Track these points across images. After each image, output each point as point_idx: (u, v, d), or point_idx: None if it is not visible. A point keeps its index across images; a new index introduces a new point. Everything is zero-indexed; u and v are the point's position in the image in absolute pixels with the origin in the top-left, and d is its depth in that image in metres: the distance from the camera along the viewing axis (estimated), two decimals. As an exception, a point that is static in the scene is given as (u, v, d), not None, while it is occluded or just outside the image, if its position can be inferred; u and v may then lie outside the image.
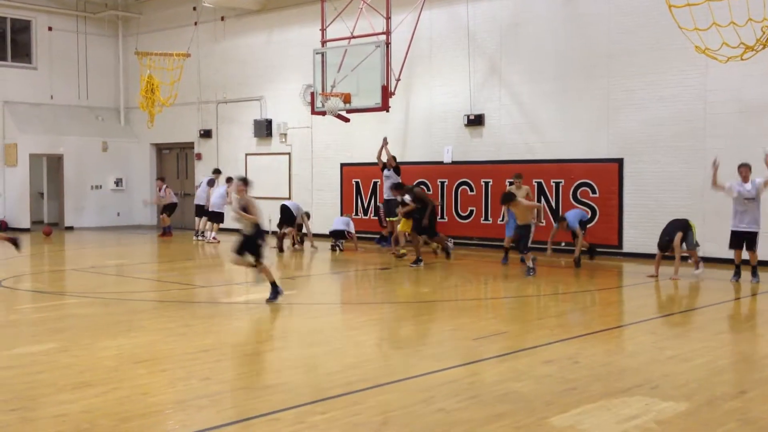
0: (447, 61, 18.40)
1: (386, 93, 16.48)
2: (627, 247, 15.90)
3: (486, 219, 17.77)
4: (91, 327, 9.03)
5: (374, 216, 19.34)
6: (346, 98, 16.81)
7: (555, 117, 16.82)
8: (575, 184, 16.44)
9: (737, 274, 12.50)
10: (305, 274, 14.78)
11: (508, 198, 13.58)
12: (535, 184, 16.82)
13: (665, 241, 12.88)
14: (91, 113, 25.54)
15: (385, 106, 16.60)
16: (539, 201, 16.69)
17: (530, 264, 13.16)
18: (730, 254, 12.84)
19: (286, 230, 17.37)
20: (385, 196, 17.58)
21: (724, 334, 9.12)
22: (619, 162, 15.95)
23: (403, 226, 15.72)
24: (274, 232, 17.98)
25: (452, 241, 17.63)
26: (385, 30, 16.69)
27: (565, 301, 11.45)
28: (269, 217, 19.75)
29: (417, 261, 14.66)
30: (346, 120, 17.72)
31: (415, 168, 18.80)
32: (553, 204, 16.59)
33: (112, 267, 15.53)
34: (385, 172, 17.44)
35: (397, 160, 17.79)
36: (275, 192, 21.90)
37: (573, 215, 14.86)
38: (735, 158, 12.70)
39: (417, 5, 17.42)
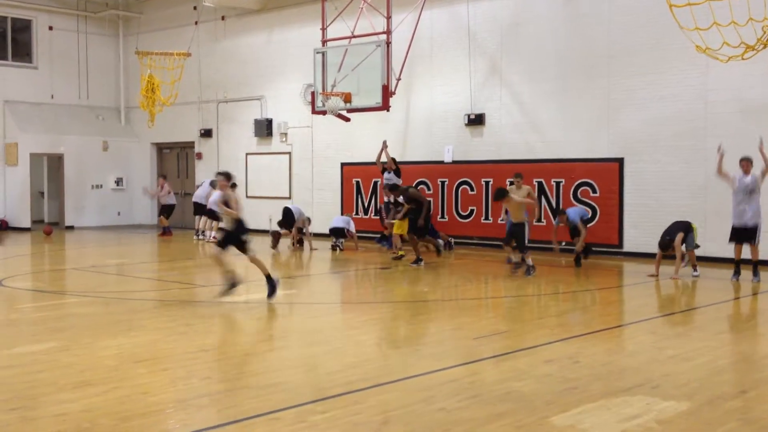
0: (447, 61, 18.40)
1: (387, 92, 16.48)
2: (627, 247, 15.90)
3: (486, 218, 17.77)
4: (92, 326, 9.03)
5: (375, 215, 19.34)
6: (347, 98, 16.81)
7: (555, 116, 16.82)
8: (576, 184, 16.44)
9: (737, 273, 12.51)
10: (305, 274, 14.78)
11: (501, 194, 13.44)
12: (536, 183, 16.81)
13: (666, 241, 12.89)
14: (91, 113, 25.54)
15: (385, 106, 16.60)
16: (540, 201, 16.69)
17: (529, 262, 13.13)
18: (730, 253, 12.83)
19: (283, 231, 17.32)
20: (386, 198, 17.58)
21: (724, 333, 9.12)
22: (620, 161, 15.94)
23: (397, 228, 15.70)
24: (274, 232, 17.93)
25: (452, 240, 17.68)
26: (385, 29, 16.69)
27: (565, 300, 11.44)
28: (270, 216, 19.83)
29: (417, 260, 14.66)
30: (347, 119, 17.72)
31: (416, 167, 18.80)
32: (554, 203, 16.58)
33: (112, 266, 15.53)
34: (386, 174, 17.42)
35: (398, 160, 17.79)
36: (276, 191, 21.93)
37: (574, 212, 14.86)
38: (736, 158, 12.68)
39: (417, 5, 17.41)
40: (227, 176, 10.78)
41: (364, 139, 19.70)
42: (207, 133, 23.83)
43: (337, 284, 13.81)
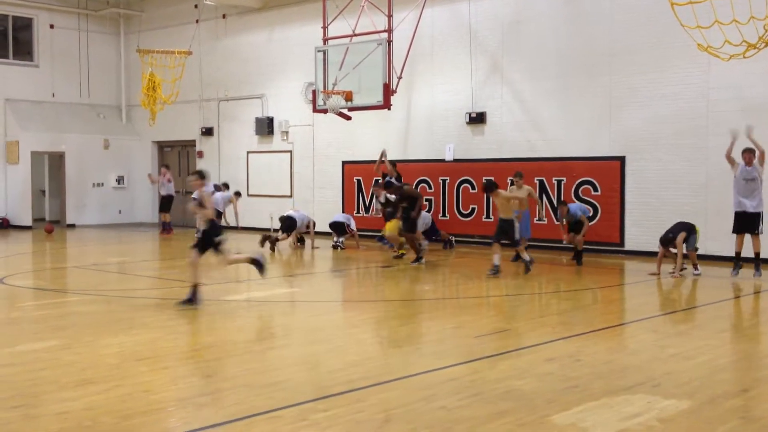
0: (449, 59, 18.40)
1: (388, 91, 16.48)
2: (629, 245, 15.90)
3: (488, 217, 17.76)
4: (93, 324, 9.04)
5: (376, 215, 19.33)
6: (348, 96, 16.81)
7: (557, 115, 16.82)
8: (577, 182, 16.43)
9: (737, 267, 12.52)
10: (307, 272, 14.78)
11: (490, 187, 13.31)
12: (537, 182, 16.81)
13: (668, 237, 12.92)
14: (92, 111, 25.54)
15: (386, 104, 16.60)
16: (541, 199, 16.69)
17: (526, 257, 13.06)
18: (731, 252, 12.83)
19: (281, 236, 17.25)
20: (375, 197, 17.54)
21: (725, 332, 9.11)
22: (621, 160, 15.94)
23: (391, 228, 15.68)
24: (275, 230, 17.90)
25: (453, 238, 17.68)
26: (386, 28, 16.68)
27: (566, 298, 11.44)
28: (270, 215, 19.82)
29: (418, 259, 14.65)
30: (348, 118, 17.72)
31: (417, 166, 18.80)
32: (555, 202, 16.57)
33: (113, 264, 15.54)
34: (387, 179, 17.33)
35: (399, 159, 17.77)
36: (277, 190, 21.94)
37: (575, 207, 14.84)
38: (737, 157, 12.69)
39: (419, 3, 17.40)
40: (201, 175, 10.33)
41: (366, 137, 19.70)
42: (208, 132, 23.83)
43: (339, 283, 13.81)
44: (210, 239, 10.05)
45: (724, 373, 6.95)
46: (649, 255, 14.59)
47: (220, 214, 19.99)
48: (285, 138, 21.86)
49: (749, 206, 12.38)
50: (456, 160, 18.33)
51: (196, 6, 23.17)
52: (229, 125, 23.34)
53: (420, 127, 19.01)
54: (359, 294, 12.50)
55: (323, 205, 20.61)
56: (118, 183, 25.51)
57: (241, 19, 22.75)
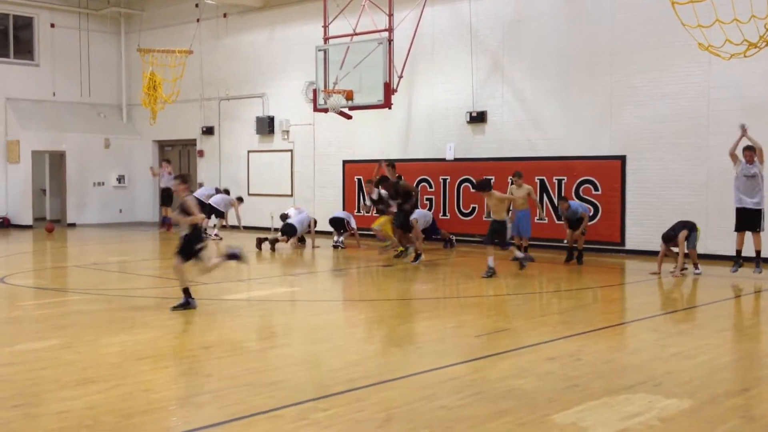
0: (449, 58, 18.39)
1: (388, 90, 16.47)
2: (629, 245, 15.90)
3: (488, 216, 17.69)
4: (94, 323, 9.04)
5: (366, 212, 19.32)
6: (349, 95, 16.81)
7: (557, 114, 16.81)
8: (578, 181, 16.43)
9: (737, 264, 12.52)
10: (307, 271, 14.78)
11: (484, 186, 13.18)
12: (538, 181, 16.81)
13: (670, 234, 12.95)
14: (93, 110, 25.55)
15: (387, 103, 16.60)
16: (541, 199, 16.70)
17: (518, 254, 12.99)
18: (732, 251, 12.81)
19: (281, 238, 17.21)
20: (367, 195, 17.44)
21: (726, 331, 9.11)
22: (622, 159, 15.93)
23: (380, 222, 15.65)
24: (276, 229, 17.86)
25: (454, 237, 17.67)
26: (387, 27, 16.67)
27: (567, 298, 11.44)
28: (271, 214, 19.81)
29: (417, 257, 14.63)
30: (348, 117, 17.72)
31: (418, 165, 18.80)
32: (557, 202, 16.56)
33: (114, 264, 15.54)
34: (383, 192, 17.24)
35: (400, 158, 17.76)
36: (277, 189, 21.94)
37: (575, 204, 14.83)
38: (739, 154, 12.69)
39: (419, 2, 17.40)
40: (184, 179, 10.12)
41: (366, 136, 19.71)
42: (209, 131, 23.83)
43: (339, 282, 13.81)
44: (191, 246, 9.77)
45: (725, 373, 6.95)
46: (649, 254, 14.58)
47: (222, 215, 20.06)
48: (286, 137, 21.86)
49: (750, 203, 12.41)
50: (457, 160, 18.32)
51: (196, 5, 23.17)
52: (230, 124, 23.34)
53: (421, 126, 19.00)
54: (360, 293, 12.50)
55: (324, 204, 20.60)
56: (119, 182, 25.51)
57: (241, 18, 22.75)
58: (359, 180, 20.03)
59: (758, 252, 12.44)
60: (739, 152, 12.52)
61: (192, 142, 24.56)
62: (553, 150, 16.82)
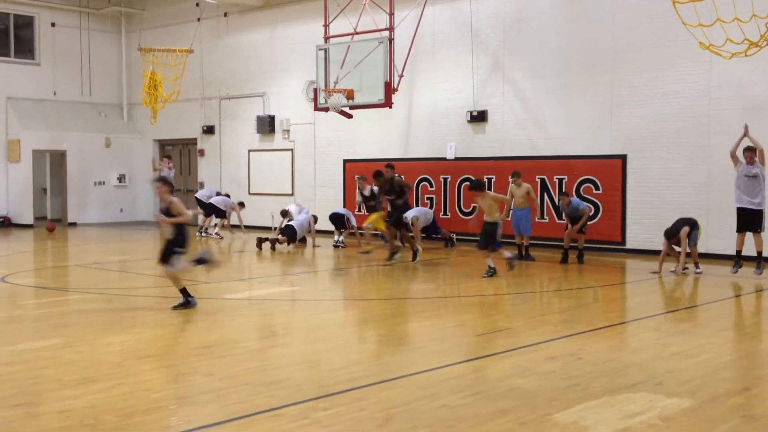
0: (450, 57, 18.39)
1: (389, 89, 16.47)
2: (630, 244, 15.89)
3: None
4: (95, 323, 9.04)
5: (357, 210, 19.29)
6: (349, 94, 16.81)
7: (558, 113, 16.81)
8: (578, 181, 16.42)
9: (738, 264, 12.51)
10: (308, 271, 14.78)
11: (479, 186, 12.97)
12: (538, 180, 16.81)
13: (672, 231, 12.97)
14: (93, 109, 25.55)
15: (387, 103, 16.59)
16: (542, 198, 16.70)
17: (508, 254, 12.83)
18: (732, 251, 12.81)
19: (281, 238, 17.18)
20: (359, 193, 17.50)
21: (727, 330, 9.11)
22: (623, 158, 15.93)
23: (377, 223, 15.63)
24: (266, 239, 17.55)
25: (454, 236, 17.65)
26: (388, 26, 16.67)
27: (568, 297, 11.44)
28: (272, 213, 19.81)
29: (391, 255, 14.49)
30: (349, 116, 17.72)
31: (418, 164, 18.80)
32: (557, 201, 16.55)
33: (115, 263, 15.55)
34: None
35: (401, 157, 17.75)
36: (278, 188, 21.93)
37: (576, 202, 14.83)
38: (739, 155, 12.69)
39: (420, 1, 17.40)
40: (166, 181, 9.94)
41: (367, 136, 19.70)
42: (209, 130, 23.83)
43: (340, 281, 13.81)
44: (171, 249, 9.54)
45: (726, 372, 6.95)
46: (650, 253, 14.58)
47: (223, 214, 20.05)
48: (286, 136, 21.86)
49: (751, 203, 12.40)
50: (457, 159, 18.32)
51: (197, 4, 23.18)
52: (231, 123, 23.34)
53: (421, 126, 19.00)
54: (360, 292, 12.50)
55: (324, 203, 20.59)
56: (120, 181, 25.52)
57: (242, 17, 22.75)
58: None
59: (759, 253, 12.44)
60: (739, 153, 12.52)
61: (193, 142, 24.56)
62: (554, 149, 16.82)
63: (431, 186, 18.64)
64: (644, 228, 15.59)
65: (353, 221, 17.95)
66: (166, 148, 25.69)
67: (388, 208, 15.38)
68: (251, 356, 7.53)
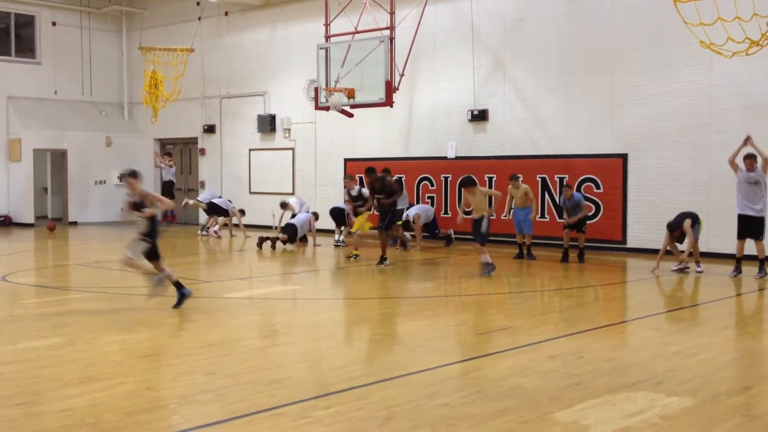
0: (451, 57, 18.38)
1: (390, 88, 16.47)
2: (631, 243, 15.89)
3: (467, 214, 17.71)
4: (96, 322, 9.04)
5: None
6: (350, 93, 16.80)
7: (559, 112, 16.80)
8: (579, 180, 16.42)
9: (738, 270, 12.50)
10: (309, 270, 14.78)
11: (470, 181, 12.87)
12: (539, 179, 16.80)
13: (675, 224, 13.00)
14: (94, 108, 25.55)
15: (388, 102, 16.59)
16: (542, 197, 16.69)
17: (486, 259, 12.61)
18: (733, 250, 12.80)
19: (281, 236, 17.15)
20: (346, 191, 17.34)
21: (728, 329, 9.11)
22: (624, 157, 15.92)
23: (358, 226, 15.55)
24: (267, 238, 17.50)
25: (452, 233, 17.64)
26: (389, 25, 16.66)
27: (569, 296, 11.44)
28: (272, 212, 19.81)
29: (381, 260, 14.18)
30: (350, 115, 17.72)
31: (419, 163, 18.80)
32: (558, 200, 16.55)
33: (116, 262, 15.49)
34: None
35: (401, 156, 17.74)
36: (279, 187, 21.92)
37: (578, 196, 14.84)
38: (739, 162, 12.69)
39: (421, 0, 17.39)
40: (135, 174, 9.86)
41: (368, 135, 19.70)
42: (210, 129, 23.83)
43: (341, 280, 13.80)
44: (153, 243, 9.62)
45: (727, 371, 6.94)
46: (651, 252, 14.57)
47: (226, 213, 20.04)
48: (287, 135, 21.86)
49: (753, 210, 12.37)
50: (458, 158, 18.31)
51: (198, 3, 23.16)
52: (232, 122, 23.34)
53: (422, 125, 19.00)
54: (361, 291, 12.49)
55: (325, 202, 20.56)
56: (120, 180, 25.48)
57: (243, 16, 22.75)
58: (360, 179, 19.99)
59: (763, 259, 12.41)
60: (738, 160, 12.49)
61: (193, 141, 24.56)
62: (555, 148, 16.81)
63: (432, 185, 18.63)
64: (645, 227, 15.59)
65: (353, 217, 17.92)
66: (167, 147, 25.67)
67: (375, 208, 15.15)
68: (252, 355, 7.53)
